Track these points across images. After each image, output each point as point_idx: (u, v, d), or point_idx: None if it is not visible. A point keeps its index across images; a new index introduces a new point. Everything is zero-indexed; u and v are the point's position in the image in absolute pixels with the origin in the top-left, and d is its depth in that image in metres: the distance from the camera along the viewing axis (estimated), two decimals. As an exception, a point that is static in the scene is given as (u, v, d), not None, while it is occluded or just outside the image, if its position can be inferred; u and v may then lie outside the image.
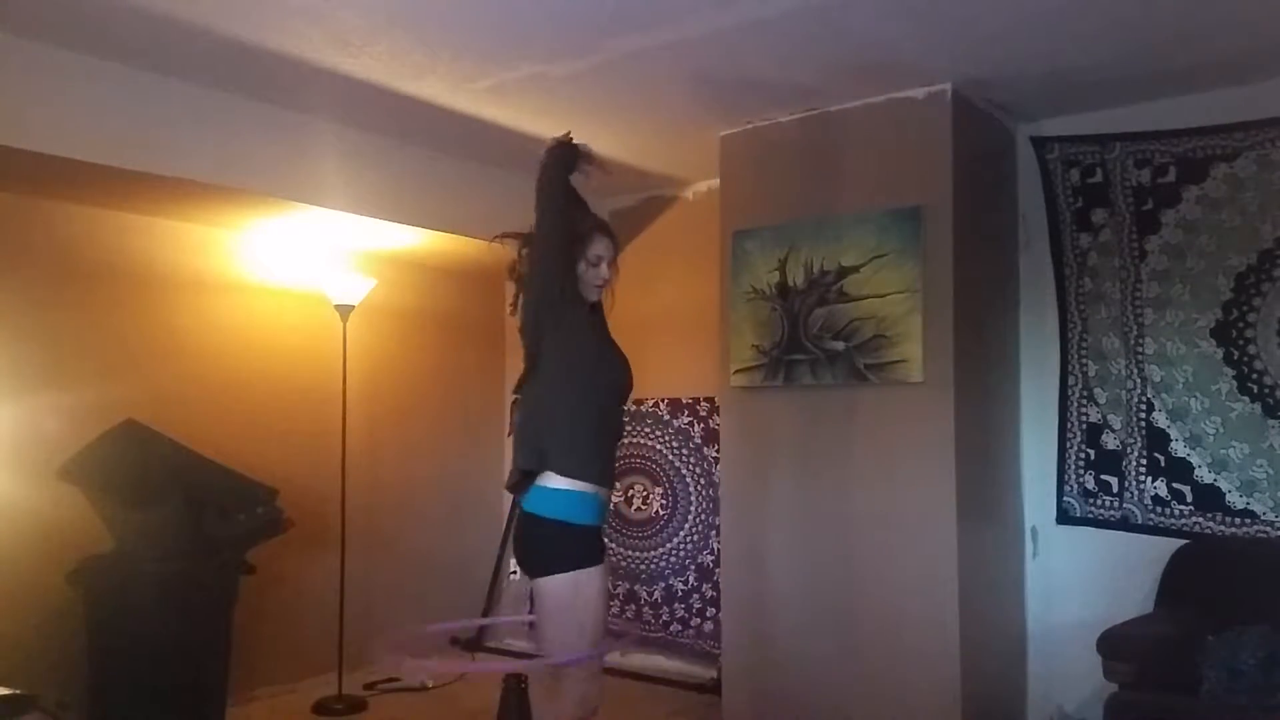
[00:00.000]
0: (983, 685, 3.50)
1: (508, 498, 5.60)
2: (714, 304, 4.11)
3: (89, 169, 3.30)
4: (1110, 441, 3.67)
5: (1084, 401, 3.74)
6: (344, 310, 4.46)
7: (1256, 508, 3.35)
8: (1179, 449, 3.50)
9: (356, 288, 4.45)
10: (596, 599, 2.42)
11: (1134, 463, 3.60)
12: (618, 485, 4.60)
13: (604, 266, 2.58)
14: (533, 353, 2.52)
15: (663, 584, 4.86)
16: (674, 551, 4.84)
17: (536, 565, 2.45)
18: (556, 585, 2.40)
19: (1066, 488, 3.76)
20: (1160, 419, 3.54)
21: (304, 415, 4.52)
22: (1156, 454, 3.55)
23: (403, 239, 4.55)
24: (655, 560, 4.89)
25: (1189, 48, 3.17)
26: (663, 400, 4.91)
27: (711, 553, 4.66)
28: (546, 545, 2.43)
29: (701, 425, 4.78)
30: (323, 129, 3.88)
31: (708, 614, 4.65)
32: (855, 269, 3.61)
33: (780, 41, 3.14)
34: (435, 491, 5.25)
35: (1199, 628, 3.04)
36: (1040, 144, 3.80)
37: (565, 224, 2.49)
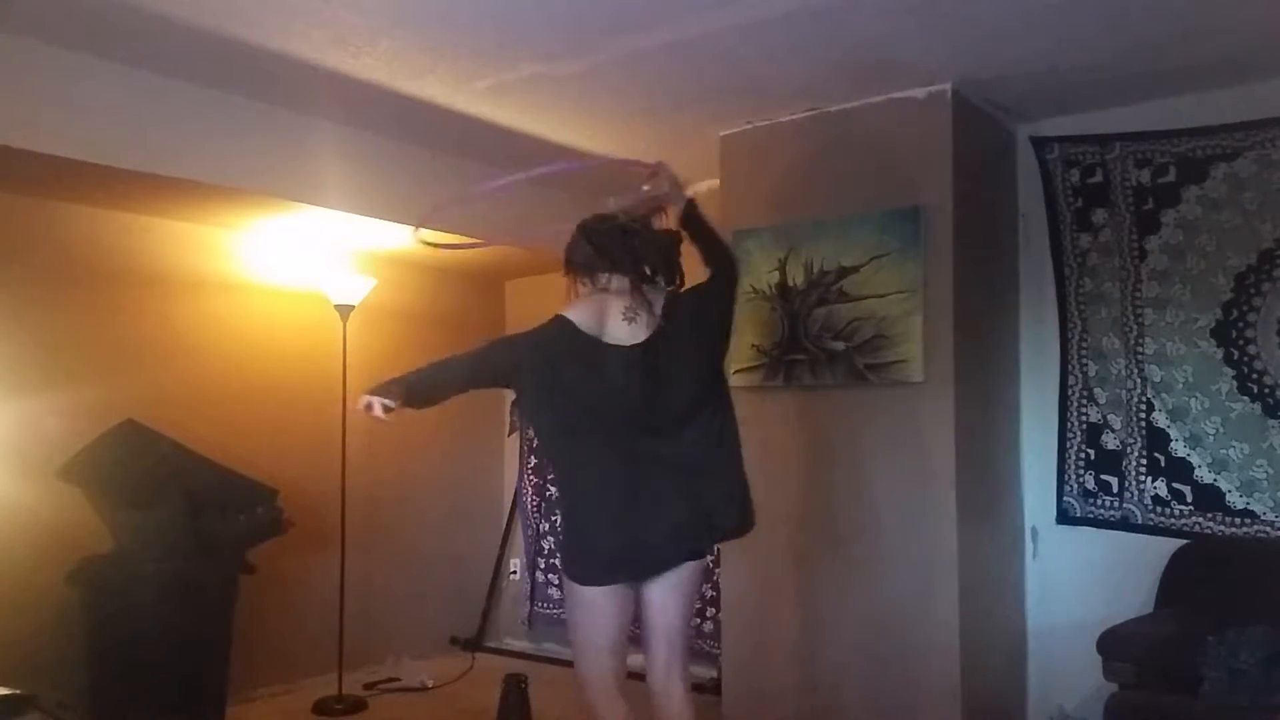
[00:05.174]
0: (983, 685, 3.50)
1: (508, 497, 5.61)
2: (714, 304, 4.11)
3: (89, 169, 3.30)
4: (1110, 441, 3.67)
5: (1084, 401, 3.74)
6: (344, 310, 4.46)
7: (1256, 508, 3.35)
8: (1179, 449, 3.50)
9: (356, 288, 4.45)
10: None
11: (1134, 463, 3.60)
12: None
13: None
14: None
15: (663, 584, 4.84)
16: (674, 551, 4.83)
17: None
18: None
19: (1066, 488, 3.76)
20: (1160, 419, 3.54)
21: (304, 415, 4.52)
22: (1156, 454, 3.55)
23: (403, 239, 4.55)
24: (655, 560, 4.87)
25: (1189, 48, 3.17)
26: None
27: (711, 553, 4.64)
28: None
29: (701, 425, 4.76)
30: (323, 129, 3.88)
31: (708, 614, 4.65)
32: (855, 269, 3.61)
33: (780, 41, 3.14)
34: (435, 491, 5.25)
35: (1199, 628, 3.04)
36: (1040, 144, 3.80)
37: None
